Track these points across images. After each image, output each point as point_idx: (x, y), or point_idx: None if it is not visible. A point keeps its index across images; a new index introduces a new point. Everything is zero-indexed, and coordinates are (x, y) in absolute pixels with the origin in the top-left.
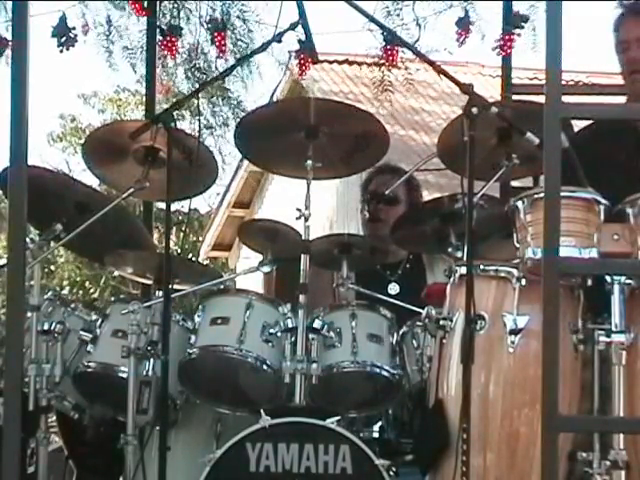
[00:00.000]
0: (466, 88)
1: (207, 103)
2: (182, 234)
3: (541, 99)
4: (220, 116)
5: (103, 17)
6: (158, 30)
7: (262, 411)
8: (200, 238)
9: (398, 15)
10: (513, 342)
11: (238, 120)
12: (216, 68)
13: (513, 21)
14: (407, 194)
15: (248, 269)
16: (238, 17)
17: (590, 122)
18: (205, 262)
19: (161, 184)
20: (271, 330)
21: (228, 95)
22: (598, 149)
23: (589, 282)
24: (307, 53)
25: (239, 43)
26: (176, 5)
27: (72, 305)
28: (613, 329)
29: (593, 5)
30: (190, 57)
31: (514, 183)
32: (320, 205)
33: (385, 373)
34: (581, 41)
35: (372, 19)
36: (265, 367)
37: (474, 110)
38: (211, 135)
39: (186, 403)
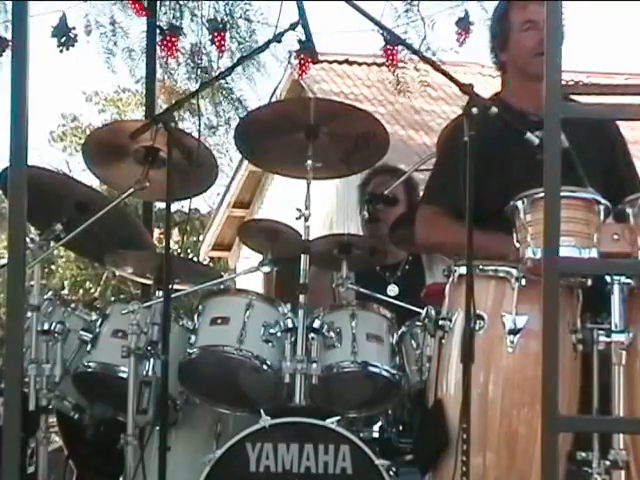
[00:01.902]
0: (466, 88)
1: (210, 102)
2: (182, 234)
3: None
4: (222, 116)
5: (106, 18)
6: (158, 30)
7: (262, 411)
8: (200, 238)
9: (406, 13)
10: (512, 342)
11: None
12: (218, 68)
13: None
14: (406, 194)
15: (248, 269)
16: (241, 17)
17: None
18: (205, 262)
19: (161, 184)
20: (271, 330)
21: (230, 95)
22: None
23: (589, 282)
24: (307, 53)
25: (244, 42)
26: (178, 5)
27: (72, 305)
28: (613, 329)
29: (592, 5)
30: (193, 57)
31: None
32: (320, 205)
33: (385, 373)
34: (581, 41)
35: (371, 19)
36: (265, 367)
37: (474, 110)
38: (213, 135)
39: (186, 403)
